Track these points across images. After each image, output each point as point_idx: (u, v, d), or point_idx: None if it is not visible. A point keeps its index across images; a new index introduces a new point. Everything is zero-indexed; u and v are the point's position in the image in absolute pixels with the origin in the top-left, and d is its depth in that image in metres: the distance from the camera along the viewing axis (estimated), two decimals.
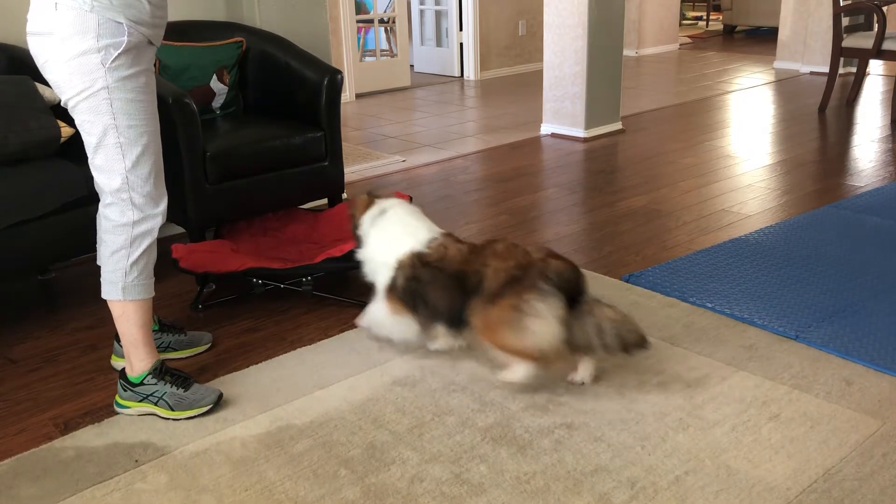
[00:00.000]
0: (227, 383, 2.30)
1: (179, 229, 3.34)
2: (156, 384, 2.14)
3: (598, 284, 2.87)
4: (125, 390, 2.16)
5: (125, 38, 1.94)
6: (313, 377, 2.32)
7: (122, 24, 1.93)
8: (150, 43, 2.04)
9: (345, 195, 3.49)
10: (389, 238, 2.34)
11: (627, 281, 2.90)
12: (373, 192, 2.49)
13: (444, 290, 2.23)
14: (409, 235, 2.32)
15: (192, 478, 1.89)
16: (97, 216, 2.11)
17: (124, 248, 2.07)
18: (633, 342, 2.13)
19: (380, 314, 2.36)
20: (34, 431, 2.11)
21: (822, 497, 1.76)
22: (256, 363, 2.42)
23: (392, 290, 2.31)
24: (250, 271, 2.71)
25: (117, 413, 2.17)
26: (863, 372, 2.25)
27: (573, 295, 2.14)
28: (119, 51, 1.94)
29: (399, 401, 2.19)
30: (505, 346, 2.16)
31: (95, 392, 2.29)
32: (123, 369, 2.18)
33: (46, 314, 2.81)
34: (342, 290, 2.89)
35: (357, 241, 2.44)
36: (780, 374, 2.26)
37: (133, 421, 2.12)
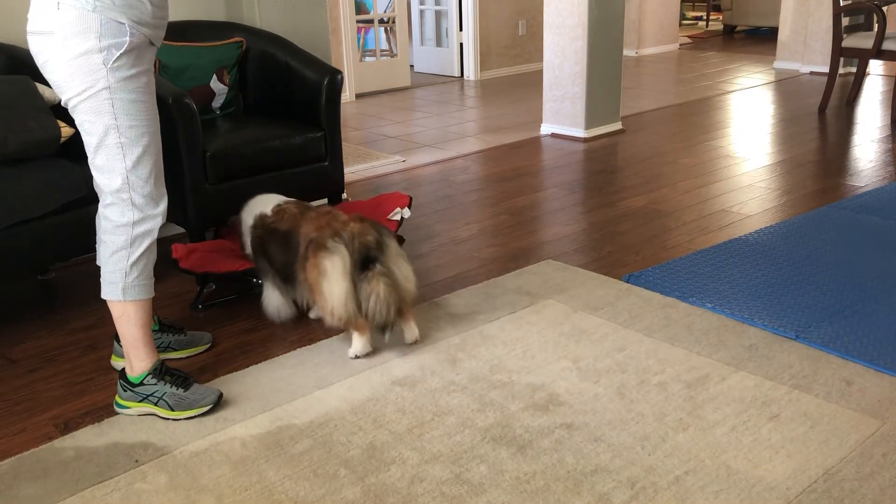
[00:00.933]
0: (227, 383, 2.30)
1: (179, 229, 3.34)
2: (156, 384, 2.14)
3: (598, 284, 2.88)
4: (125, 390, 2.16)
5: (127, 38, 1.94)
6: (313, 377, 2.32)
7: (124, 24, 1.93)
8: (151, 43, 2.04)
9: (345, 195, 3.49)
10: (252, 209, 2.68)
11: (627, 281, 2.90)
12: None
13: (276, 247, 2.51)
14: (263, 204, 2.64)
15: (192, 478, 1.89)
16: (97, 217, 2.11)
17: (124, 249, 2.07)
18: (378, 322, 2.33)
19: (264, 291, 2.63)
20: (34, 431, 2.11)
21: (822, 497, 1.76)
22: (256, 363, 2.42)
23: (253, 254, 2.62)
24: (250, 271, 2.71)
25: (117, 413, 2.17)
26: (863, 372, 2.25)
27: (367, 257, 2.33)
28: (121, 51, 1.94)
29: (399, 401, 2.19)
30: (322, 308, 2.38)
31: (95, 392, 2.29)
32: (123, 369, 2.18)
33: (46, 314, 2.81)
34: None
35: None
36: (780, 374, 2.26)
37: (133, 421, 2.12)
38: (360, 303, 2.32)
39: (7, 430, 2.12)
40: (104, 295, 2.13)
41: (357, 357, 2.40)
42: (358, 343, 2.39)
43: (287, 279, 2.50)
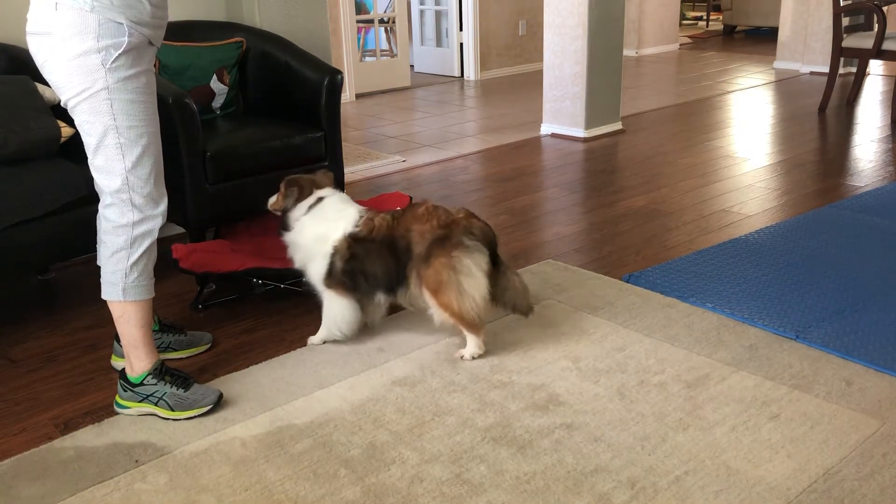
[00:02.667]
0: (227, 383, 2.30)
1: (179, 229, 3.34)
2: (156, 384, 2.14)
3: (598, 284, 2.88)
4: (125, 390, 2.16)
5: (126, 38, 1.94)
6: (313, 377, 2.32)
7: (122, 24, 1.92)
8: (151, 43, 2.04)
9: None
10: (324, 226, 2.43)
11: (627, 281, 2.90)
12: (317, 178, 2.52)
13: (378, 259, 2.38)
14: (341, 220, 2.43)
15: (192, 478, 1.89)
16: (97, 217, 2.11)
17: (124, 249, 2.07)
18: (523, 310, 2.45)
19: (334, 307, 2.45)
20: (34, 431, 2.11)
21: (822, 497, 1.76)
22: (256, 363, 2.42)
23: (330, 276, 2.41)
24: (250, 271, 2.71)
25: (117, 413, 2.17)
26: (863, 372, 2.25)
27: (493, 252, 2.36)
28: (119, 51, 1.93)
29: (399, 401, 2.19)
30: (450, 307, 2.31)
31: (95, 392, 2.29)
32: (123, 369, 2.18)
33: (46, 314, 2.81)
34: None
35: (284, 225, 2.49)
36: (780, 374, 2.26)
37: (133, 421, 2.12)
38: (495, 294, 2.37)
39: (7, 430, 2.12)
40: (104, 295, 2.13)
41: (474, 358, 2.38)
42: (475, 344, 2.38)
43: (391, 288, 2.41)
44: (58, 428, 2.12)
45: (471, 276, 2.29)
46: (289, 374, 2.34)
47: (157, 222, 2.10)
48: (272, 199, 2.56)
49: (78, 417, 2.16)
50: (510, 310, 2.46)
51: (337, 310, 2.45)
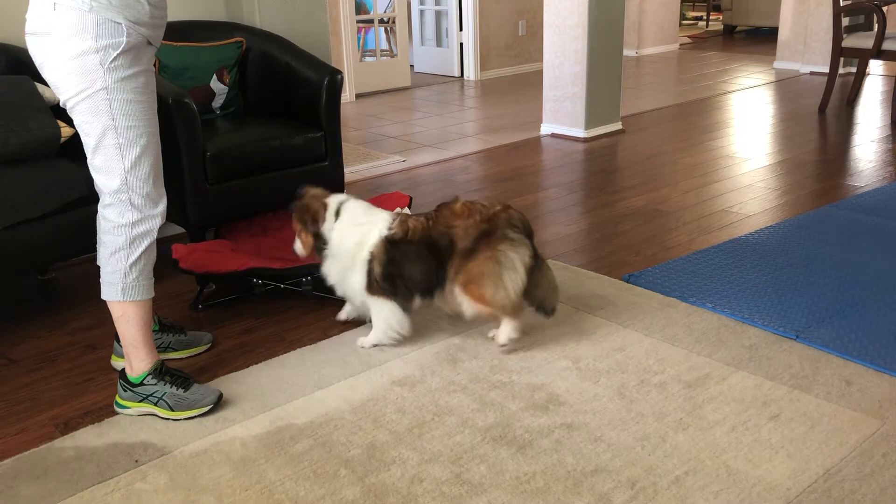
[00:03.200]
0: (227, 383, 2.30)
1: (179, 229, 3.34)
2: (156, 384, 2.14)
3: (598, 284, 2.88)
4: (125, 390, 2.16)
5: (124, 38, 1.93)
6: (313, 377, 2.32)
7: (120, 24, 1.92)
8: (150, 43, 2.03)
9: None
10: (357, 233, 2.39)
11: (627, 281, 2.90)
12: (317, 193, 2.46)
13: (417, 261, 2.36)
14: (373, 224, 2.39)
15: (192, 478, 1.89)
16: (97, 217, 2.11)
17: (123, 249, 2.07)
18: (547, 308, 2.44)
19: (384, 310, 2.41)
20: (34, 431, 2.11)
21: (822, 497, 1.76)
22: (256, 363, 2.42)
23: (370, 284, 2.38)
24: (250, 271, 2.71)
25: (117, 413, 2.17)
26: (863, 372, 2.25)
27: (532, 243, 2.39)
28: (118, 51, 1.93)
29: (399, 401, 2.19)
30: (484, 299, 2.32)
31: (95, 392, 2.29)
32: (123, 369, 2.18)
33: (46, 314, 2.81)
34: None
35: (319, 246, 2.42)
36: (780, 374, 2.26)
37: (133, 421, 2.12)
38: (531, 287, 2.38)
39: (7, 430, 2.12)
40: (104, 296, 2.13)
41: (509, 342, 2.40)
42: (511, 328, 2.40)
43: (430, 290, 2.40)
44: (58, 428, 2.12)
45: (513, 270, 2.31)
46: (289, 374, 2.34)
47: (156, 222, 2.10)
48: (297, 247, 2.49)
49: (78, 417, 2.16)
50: (535, 306, 2.44)
51: (388, 312, 2.42)
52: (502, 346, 2.41)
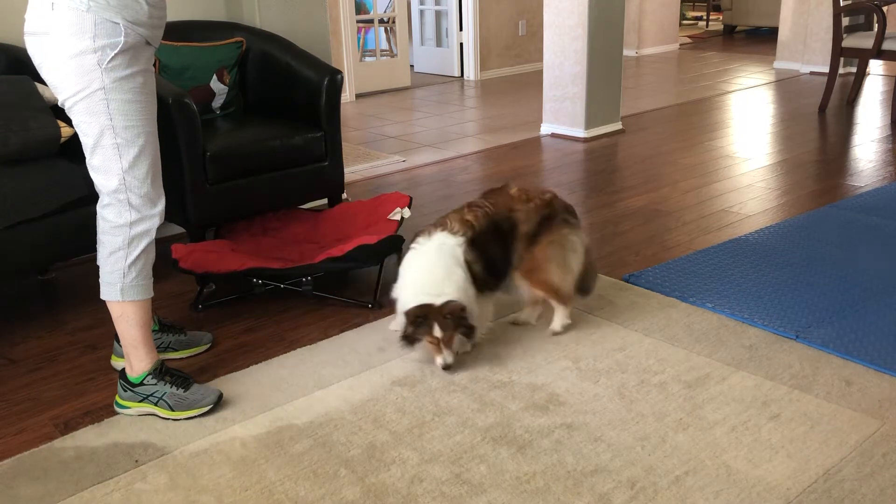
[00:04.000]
0: (227, 383, 2.30)
1: (179, 229, 3.34)
2: (156, 384, 2.14)
3: (598, 284, 2.87)
4: (125, 390, 2.16)
5: (122, 38, 1.93)
6: (313, 377, 2.32)
7: (118, 24, 1.92)
8: (148, 43, 2.03)
9: (345, 195, 3.49)
10: (439, 261, 2.28)
11: (627, 281, 2.90)
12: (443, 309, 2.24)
13: (495, 247, 2.35)
14: (439, 246, 2.30)
15: (192, 478, 1.89)
16: (97, 216, 2.11)
17: (122, 249, 2.07)
18: (587, 290, 2.53)
19: (488, 309, 2.43)
20: (34, 431, 2.11)
21: (822, 497, 1.76)
22: (256, 363, 2.41)
23: (476, 282, 2.32)
24: (250, 271, 2.71)
25: (117, 413, 2.17)
26: (863, 372, 2.25)
27: None
28: (116, 51, 1.93)
29: (399, 401, 2.19)
30: (548, 283, 2.39)
31: (95, 392, 2.29)
32: (123, 370, 2.18)
33: (46, 314, 2.81)
34: (342, 290, 2.89)
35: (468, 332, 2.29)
36: (780, 374, 2.26)
37: (133, 421, 2.12)
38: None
39: (7, 430, 2.12)
40: (103, 296, 2.13)
41: (563, 327, 2.49)
42: (565, 314, 2.50)
43: (503, 271, 2.39)
44: (58, 428, 2.12)
45: (575, 252, 2.41)
46: (289, 374, 2.34)
47: (154, 222, 2.10)
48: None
49: (78, 417, 2.16)
50: (576, 289, 2.48)
51: (488, 310, 2.43)
52: (556, 333, 2.50)
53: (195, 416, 2.13)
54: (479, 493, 1.80)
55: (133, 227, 2.07)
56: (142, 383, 2.14)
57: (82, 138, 2.02)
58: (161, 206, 2.11)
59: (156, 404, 2.14)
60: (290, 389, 2.26)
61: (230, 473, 1.90)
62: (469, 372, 2.32)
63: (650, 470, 1.87)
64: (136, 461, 1.95)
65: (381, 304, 2.77)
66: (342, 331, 2.60)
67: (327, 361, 2.41)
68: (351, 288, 2.92)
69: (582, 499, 1.78)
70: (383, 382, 2.28)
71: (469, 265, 2.29)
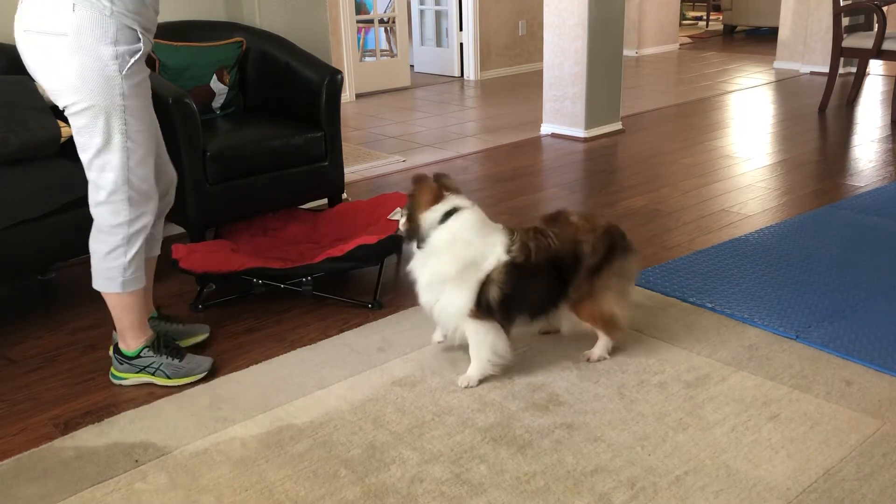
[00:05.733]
0: (227, 383, 2.30)
1: (179, 229, 3.34)
2: (153, 356, 2.25)
3: None
4: (121, 363, 2.26)
5: (140, 45, 1.99)
6: (313, 377, 2.32)
7: (135, 30, 1.97)
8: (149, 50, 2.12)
9: (345, 195, 3.49)
10: (470, 250, 2.12)
11: None
12: (442, 180, 2.21)
13: (537, 283, 2.18)
14: (491, 245, 2.14)
15: (192, 478, 1.89)
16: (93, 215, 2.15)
17: (121, 247, 2.13)
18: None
19: (490, 338, 2.19)
20: (34, 431, 2.11)
21: (822, 497, 1.76)
22: (256, 363, 2.41)
23: (479, 306, 2.14)
24: (250, 271, 2.71)
25: (115, 385, 2.26)
26: (863, 372, 2.25)
27: None
28: (134, 58, 1.98)
29: (399, 401, 2.19)
30: (603, 315, 2.25)
31: (95, 392, 2.29)
32: (117, 344, 2.27)
33: (46, 314, 2.81)
34: (342, 290, 2.89)
35: (413, 235, 2.18)
36: (780, 374, 2.26)
37: (133, 421, 2.12)
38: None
39: (7, 430, 2.12)
40: (100, 288, 2.19)
41: (601, 359, 2.33)
42: (608, 347, 2.34)
43: (544, 309, 2.24)
44: (58, 428, 2.12)
45: (632, 281, 2.34)
46: (289, 374, 2.34)
47: (150, 217, 2.17)
48: (401, 219, 2.25)
49: (78, 417, 2.16)
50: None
51: (494, 338, 2.19)
52: (591, 360, 2.34)
53: (192, 383, 2.26)
54: (479, 493, 1.80)
55: (132, 224, 2.12)
56: (139, 356, 2.25)
57: (88, 139, 2.02)
58: (156, 201, 2.18)
59: (153, 374, 2.25)
60: (290, 389, 2.26)
61: (230, 473, 1.90)
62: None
63: (650, 470, 1.87)
64: (136, 461, 1.95)
65: (381, 304, 2.77)
66: (342, 331, 2.60)
67: (327, 361, 2.41)
68: (351, 288, 2.92)
69: (582, 499, 1.78)
70: (383, 382, 2.28)
71: (488, 281, 2.12)
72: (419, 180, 2.22)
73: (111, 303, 2.21)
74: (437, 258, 2.14)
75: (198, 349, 2.47)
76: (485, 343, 2.19)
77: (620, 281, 2.26)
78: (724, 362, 2.33)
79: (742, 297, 2.72)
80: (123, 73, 1.96)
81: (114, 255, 2.12)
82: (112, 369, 2.30)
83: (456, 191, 2.20)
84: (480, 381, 2.24)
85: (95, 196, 2.10)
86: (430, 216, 2.13)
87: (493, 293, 2.13)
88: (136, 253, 2.15)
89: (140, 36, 1.98)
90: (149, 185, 2.13)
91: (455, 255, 2.12)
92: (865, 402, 2.10)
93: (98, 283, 2.18)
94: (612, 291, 2.24)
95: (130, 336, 2.24)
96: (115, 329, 2.38)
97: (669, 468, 1.87)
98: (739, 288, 2.80)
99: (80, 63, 1.92)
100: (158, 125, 2.23)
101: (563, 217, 2.27)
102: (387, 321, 2.63)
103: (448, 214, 2.14)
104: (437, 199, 2.15)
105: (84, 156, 2.06)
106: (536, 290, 2.20)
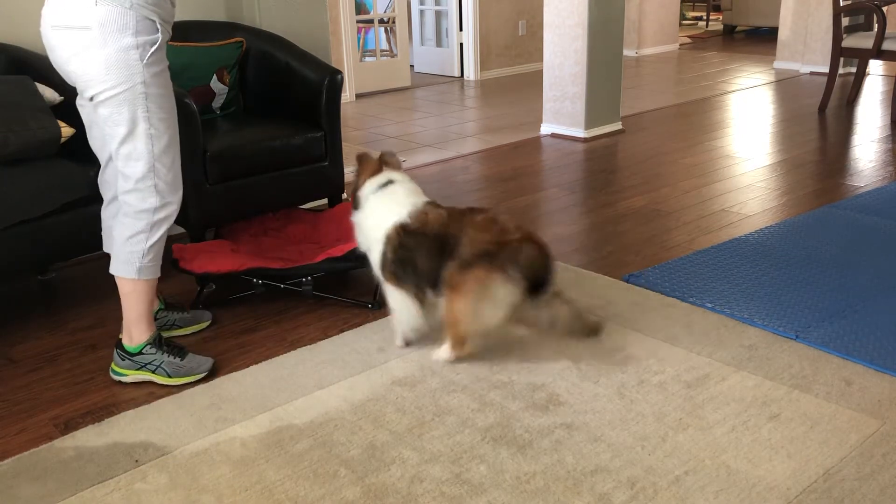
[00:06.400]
0: (227, 383, 2.30)
1: (179, 229, 3.33)
2: (154, 353, 2.27)
3: (598, 284, 2.88)
4: (122, 359, 2.29)
5: (159, 35, 2.08)
6: (313, 377, 2.32)
7: (154, 21, 2.06)
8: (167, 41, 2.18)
9: (345, 195, 3.49)
10: (383, 212, 2.35)
11: (627, 281, 2.90)
12: (385, 156, 2.47)
13: (427, 254, 2.28)
14: (399, 208, 2.33)
15: (192, 478, 1.89)
16: (118, 201, 2.22)
17: (143, 233, 2.19)
18: (584, 334, 2.39)
19: (396, 299, 2.38)
20: (34, 431, 2.11)
21: (822, 497, 1.76)
22: (256, 363, 2.42)
23: (385, 265, 2.35)
24: (250, 271, 2.71)
25: (115, 382, 2.28)
26: (863, 372, 2.25)
27: (538, 283, 2.23)
28: (154, 48, 2.08)
29: (399, 401, 2.19)
30: (457, 312, 2.25)
31: (95, 392, 2.29)
32: (120, 340, 2.29)
33: (46, 314, 2.81)
34: (342, 290, 2.89)
35: (354, 203, 2.44)
36: (780, 374, 2.26)
37: (133, 421, 2.12)
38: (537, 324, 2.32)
39: (7, 430, 2.12)
40: (116, 272, 2.24)
41: (439, 361, 2.37)
42: (451, 354, 2.35)
43: (434, 284, 2.29)
44: (58, 428, 2.12)
45: (495, 306, 2.21)
46: (289, 374, 2.34)
47: (175, 208, 2.24)
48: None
49: (78, 417, 2.16)
50: (569, 336, 2.38)
51: (400, 302, 2.36)
52: (434, 359, 2.37)
53: (192, 382, 2.27)
54: (479, 493, 1.80)
55: (157, 212, 2.19)
56: (141, 352, 2.28)
57: (114, 129, 2.11)
58: (181, 192, 2.25)
59: (154, 372, 2.27)
60: (290, 389, 2.26)
61: (230, 473, 1.90)
62: (469, 372, 2.32)
63: (650, 470, 1.87)
64: (136, 461, 1.95)
65: (381, 304, 2.77)
66: (342, 331, 2.60)
67: (327, 361, 2.41)
68: (351, 288, 2.92)
69: (582, 499, 1.78)
70: (383, 382, 2.28)
71: (386, 240, 2.32)
72: (363, 156, 2.49)
73: (125, 290, 2.24)
74: (367, 222, 2.39)
75: (198, 350, 2.47)
76: (393, 306, 2.41)
77: (481, 291, 2.19)
78: (723, 362, 2.33)
79: (742, 297, 2.72)
80: (144, 61, 2.06)
81: (135, 240, 2.19)
82: (113, 365, 2.32)
83: (396, 166, 2.46)
84: (407, 345, 2.45)
85: (124, 185, 2.18)
86: (367, 186, 2.40)
87: (388, 253, 2.32)
88: (157, 241, 2.21)
89: (159, 27, 2.07)
90: (174, 175, 2.20)
91: (378, 218, 2.35)
92: (865, 402, 2.10)
93: (115, 267, 2.24)
94: (470, 300, 2.20)
95: (136, 329, 2.27)
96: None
97: (669, 468, 1.87)
98: (739, 288, 2.80)
99: (105, 54, 2.03)
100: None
101: (480, 210, 2.33)
102: (387, 321, 2.63)
103: (383, 186, 2.39)
104: (376, 172, 2.42)
105: (112, 146, 2.15)
106: (422, 260, 2.28)
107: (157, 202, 2.18)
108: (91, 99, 2.11)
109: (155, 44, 2.07)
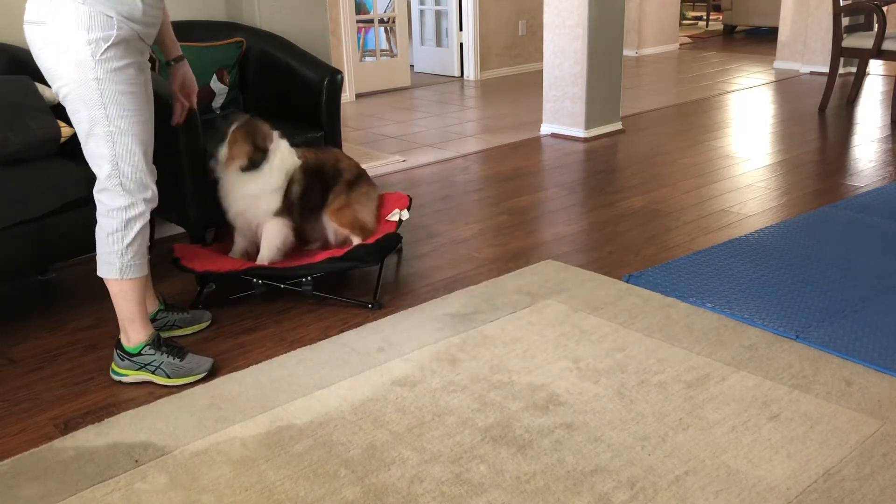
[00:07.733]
0: (227, 383, 2.30)
1: (179, 229, 3.33)
2: (154, 354, 2.27)
3: (598, 284, 2.88)
4: (122, 360, 2.28)
5: (115, 31, 2.02)
6: (313, 377, 2.32)
7: (112, 17, 2.01)
8: (141, 39, 2.13)
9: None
10: (286, 165, 2.81)
11: (627, 281, 2.90)
12: (263, 122, 2.80)
13: (317, 186, 2.89)
14: (293, 155, 2.85)
15: (192, 478, 1.89)
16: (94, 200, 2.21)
17: (119, 231, 2.17)
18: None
19: (284, 231, 2.84)
20: (34, 431, 2.11)
21: (822, 497, 1.76)
22: (256, 363, 2.42)
23: (282, 206, 2.80)
24: (250, 271, 2.71)
25: (115, 382, 2.28)
26: (863, 372, 2.25)
27: None
28: (108, 43, 2.02)
29: (399, 401, 2.19)
30: (353, 219, 2.92)
31: (95, 392, 2.29)
32: (119, 340, 2.29)
33: (46, 314, 2.81)
34: (342, 290, 2.89)
35: (257, 161, 2.74)
36: (780, 374, 2.26)
37: (133, 421, 2.12)
38: None
39: (7, 430, 2.12)
40: (102, 273, 2.23)
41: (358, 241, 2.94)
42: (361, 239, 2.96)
43: (316, 209, 2.92)
44: (58, 428, 2.12)
45: (370, 207, 3.04)
46: (289, 374, 2.34)
47: (147, 206, 2.20)
48: (222, 154, 2.76)
49: (78, 417, 2.16)
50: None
51: (286, 232, 2.84)
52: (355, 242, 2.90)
53: (192, 382, 2.28)
54: (479, 493, 1.80)
55: (128, 210, 2.17)
56: (140, 353, 2.27)
57: (76, 126, 2.11)
58: (153, 190, 2.21)
59: (153, 372, 2.27)
60: (290, 389, 2.26)
61: (230, 473, 1.90)
62: (469, 372, 2.32)
63: (650, 470, 1.87)
64: (136, 461, 1.95)
65: (381, 304, 2.77)
66: (342, 331, 2.60)
67: (327, 361, 2.41)
68: (351, 288, 2.92)
69: (582, 499, 1.78)
70: (383, 382, 2.28)
71: (292, 181, 2.81)
72: (253, 121, 2.78)
73: (112, 291, 2.24)
74: (270, 174, 2.77)
75: (198, 350, 2.48)
76: (280, 235, 2.82)
77: (366, 199, 2.99)
78: (724, 362, 2.33)
79: (742, 297, 2.72)
80: (97, 58, 2.01)
81: (112, 240, 2.18)
82: (112, 365, 2.32)
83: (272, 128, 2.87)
84: (271, 264, 2.80)
85: (97, 184, 2.18)
86: (275, 143, 2.80)
87: (296, 190, 2.82)
88: (134, 239, 2.19)
89: (116, 23, 2.02)
90: (142, 173, 2.16)
91: (282, 170, 2.80)
92: (865, 402, 2.10)
93: (100, 269, 2.24)
94: (362, 205, 2.96)
95: (132, 329, 2.27)
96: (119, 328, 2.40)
97: (669, 468, 1.87)
98: (739, 288, 2.80)
99: (58, 48, 2.01)
100: (153, 117, 2.24)
101: (330, 149, 3.06)
102: (387, 321, 2.63)
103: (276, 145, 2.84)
104: (271, 133, 2.81)
105: (81, 142, 2.14)
106: (314, 190, 2.87)
107: (125, 200, 2.15)
108: (57, 94, 2.10)
109: (109, 40, 2.01)
